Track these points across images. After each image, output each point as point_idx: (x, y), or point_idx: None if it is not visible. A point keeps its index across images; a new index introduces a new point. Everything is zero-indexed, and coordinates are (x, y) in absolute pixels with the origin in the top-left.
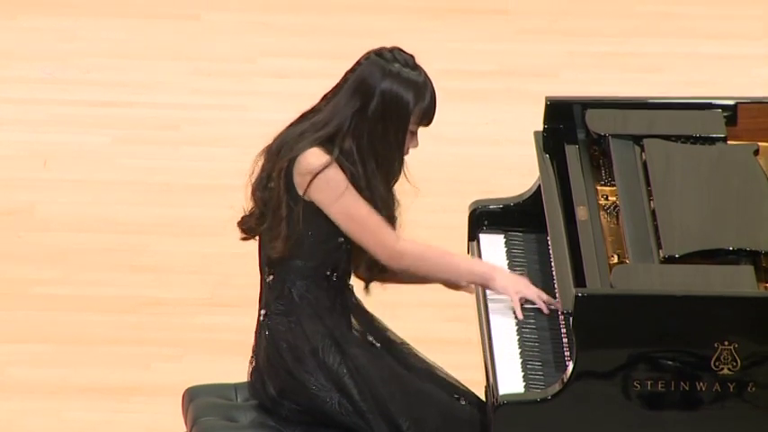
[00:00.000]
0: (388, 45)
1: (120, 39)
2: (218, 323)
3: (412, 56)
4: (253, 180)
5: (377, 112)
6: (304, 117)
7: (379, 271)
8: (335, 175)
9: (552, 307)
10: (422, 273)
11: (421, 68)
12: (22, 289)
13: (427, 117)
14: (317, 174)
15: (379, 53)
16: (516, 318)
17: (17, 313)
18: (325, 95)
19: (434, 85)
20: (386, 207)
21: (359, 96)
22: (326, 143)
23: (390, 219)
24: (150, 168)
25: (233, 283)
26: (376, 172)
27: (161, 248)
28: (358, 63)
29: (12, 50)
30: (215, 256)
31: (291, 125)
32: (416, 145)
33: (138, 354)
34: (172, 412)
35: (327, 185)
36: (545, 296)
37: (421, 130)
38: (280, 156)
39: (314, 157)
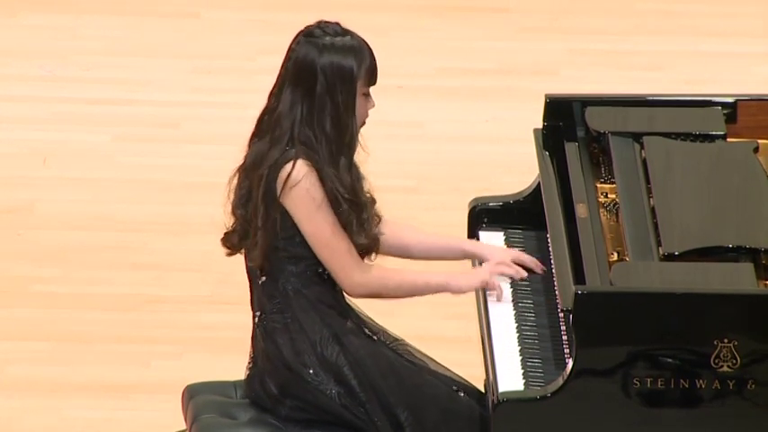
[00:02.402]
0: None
1: (120, 36)
2: (217, 321)
3: (337, 23)
4: (231, 199)
5: (323, 89)
6: (261, 122)
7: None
8: (313, 189)
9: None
10: (385, 297)
11: (351, 32)
12: (21, 287)
13: (373, 75)
14: (297, 183)
15: (306, 33)
16: (515, 317)
17: (17, 311)
18: (270, 92)
19: (372, 48)
20: (353, 191)
21: (302, 81)
22: (293, 145)
23: (360, 206)
24: (150, 166)
25: (233, 281)
26: (333, 151)
27: (161, 246)
28: (290, 50)
29: (12, 48)
30: (215, 253)
31: (254, 135)
32: (373, 105)
33: (137, 351)
34: (172, 410)
35: (307, 196)
36: (497, 280)
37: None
38: (257, 169)
39: (296, 166)
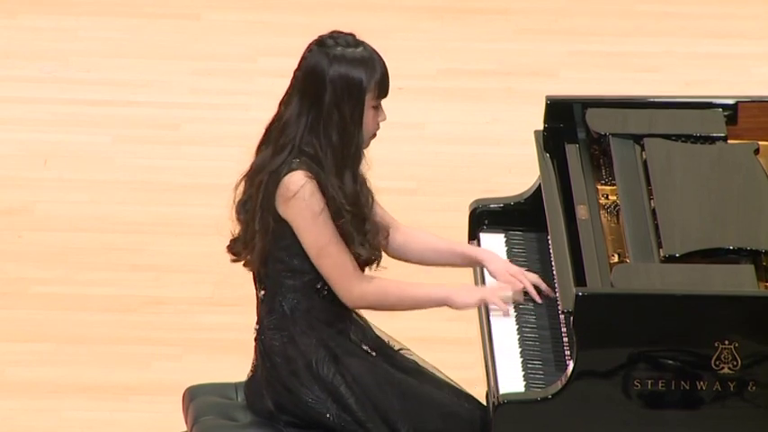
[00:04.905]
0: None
1: (121, 38)
2: (218, 322)
3: (352, 34)
4: (236, 204)
5: (331, 100)
6: (269, 130)
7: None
8: (311, 200)
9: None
10: (386, 309)
11: (364, 43)
12: (22, 288)
13: (383, 89)
14: (295, 194)
15: (319, 42)
16: (516, 318)
17: (17, 312)
18: (281, 101)
19: (384, 61)
20: (355, 204)
21: (311, 91)
22: (298, 156)
23: (361, 218)
24: (150, 168)
25: (233, 283)
26: (339, 162)
27: (161, 248)
28: (302, 58)
29: (12, 50)
30: (215, 255)
31: (262, 143)
32: (384, 118)
33: (138, 353)
34: (172, 411)
35: (304, 206)
36: (509, 295)
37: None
38: (258, 175)
39: (294, 177)
